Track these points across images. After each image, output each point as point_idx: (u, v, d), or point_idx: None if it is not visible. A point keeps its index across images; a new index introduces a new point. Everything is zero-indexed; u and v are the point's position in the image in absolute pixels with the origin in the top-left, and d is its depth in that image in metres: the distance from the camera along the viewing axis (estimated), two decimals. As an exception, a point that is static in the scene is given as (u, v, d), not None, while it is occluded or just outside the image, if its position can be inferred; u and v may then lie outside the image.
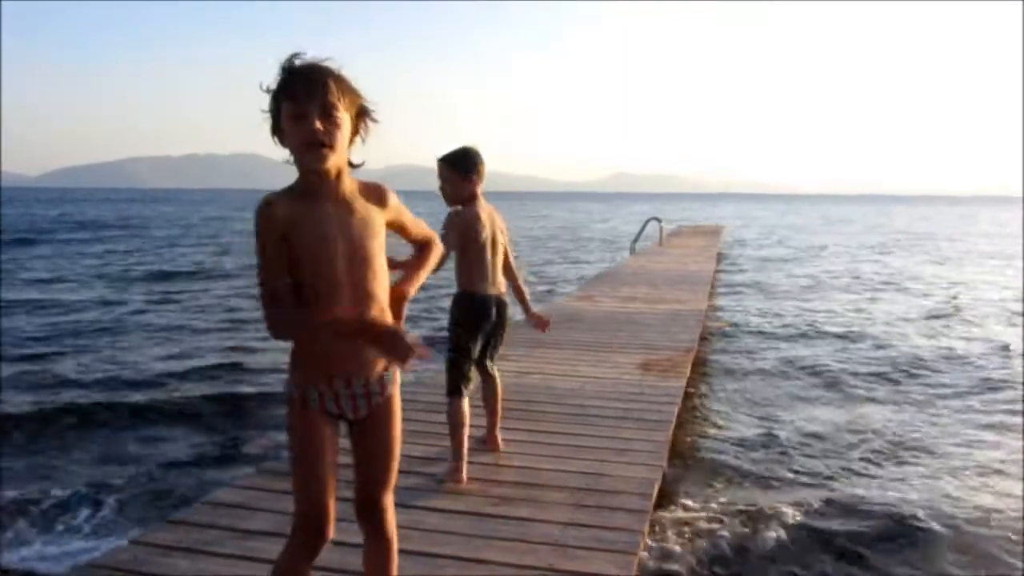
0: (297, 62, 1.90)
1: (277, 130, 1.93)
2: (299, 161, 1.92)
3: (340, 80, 1.90)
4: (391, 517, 2.19)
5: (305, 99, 1.85)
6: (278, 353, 9.16)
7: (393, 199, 2.08)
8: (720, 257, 20.73)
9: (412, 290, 2.15)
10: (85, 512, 4.65)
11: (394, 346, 1.88)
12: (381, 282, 2.03)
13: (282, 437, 5.66)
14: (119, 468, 5.50)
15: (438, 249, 2.28)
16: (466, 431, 3.79)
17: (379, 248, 2.02)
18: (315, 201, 1.94)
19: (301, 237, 1.91)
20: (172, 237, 33.29)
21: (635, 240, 21.31)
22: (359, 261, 1.97)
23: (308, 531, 2.02)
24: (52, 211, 58.65)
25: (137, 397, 7.41)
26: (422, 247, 2.24)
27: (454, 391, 3.75)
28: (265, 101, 1.92)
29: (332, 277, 1.93)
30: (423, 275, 2.22)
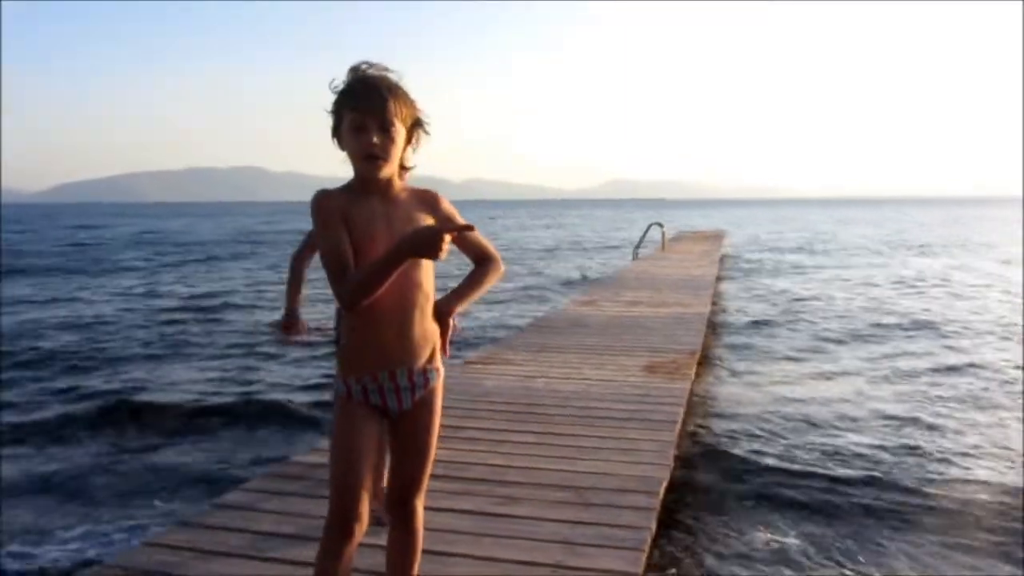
0: (363, 72, 1.99)
1: (337, 133, 2.03)
2: (354, 166, 2.03)
3: (399, 95, 1.99)
4: (420, 514, 2.23)
5: (367, 113, 1.96)
6: (288, 365, 9.26)
7: (445, 205, 2.13)
8: (723, 261, 20.76)
9: (455, 306, 2.13)
10: (98, 514, 4.69)
11: (424, 240, 1.88)
12: (428, 278, 2.07)
13: (291, 445, 5.69)
14: (131, 472, 5.55)
15: (495, 268, 2.19)
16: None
17: None
18: (366, 199, 2.03)
19: (352, 229, 1.98)
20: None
21: (637, 245, 21.35)
22: None
23: (339, 523, 2.05)
24: (82, 231, 53.76)
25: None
26: (477, 263, 2.19)
27: None
28: (318, 105, 2.02)
29: None
30: (471, 292, 2.16)
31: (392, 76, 2.01)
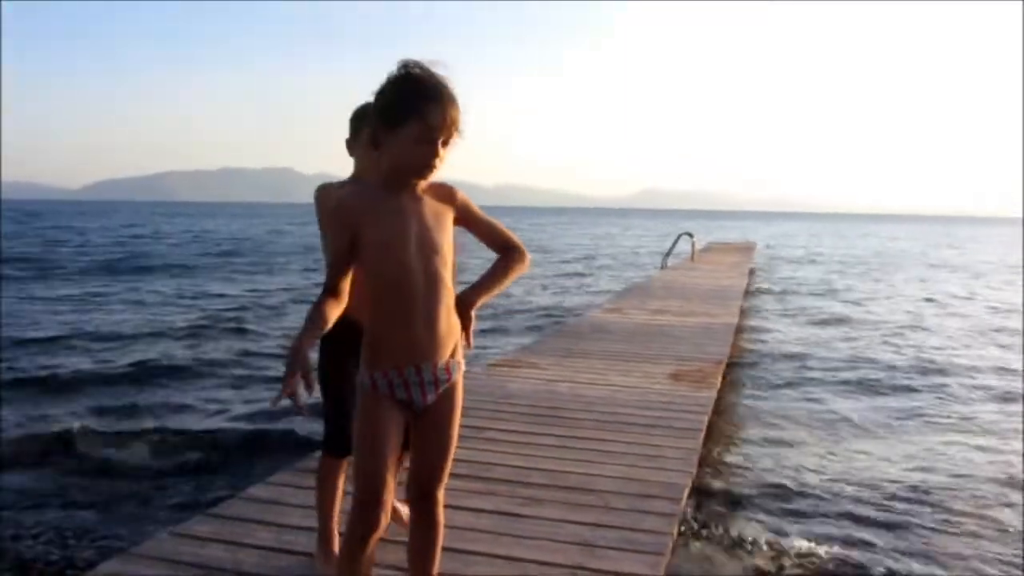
0: (434, 79, 1.96)
1: (382, 125, 1.98)
2: (398, 169, 2.01)
3: (459, 106, 1.99)
4: (442, 507, 2.25)
5: (439, 128, 1.95)
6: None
7: (460, 195, 2.15)
8: (752, 273, 20.58)
9: (478, 298, 2.13)
10: (123, 503, 4.79)
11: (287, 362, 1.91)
12: (451, 273, 2.10)
13: (316, 441, 5.73)
14: (155, 462, 5.65)
15: (520, 258, 2.17)
16: (336, 508, 2.88)
17: (448, 242, 2.09)
18: (389, 194, 2.04)
19: (376, 225, 2.00)
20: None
21: (666, 255, 21.24)
22: (430, 249, 2.04)
23: (363, 514, 2.08)
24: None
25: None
26: (501, 253, 2.19)
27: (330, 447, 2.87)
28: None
29: (405, 262, 2.01)
30: (495, 284, 2.16)
31: (452, 84, 1.99)
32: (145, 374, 8.70)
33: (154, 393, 7.93)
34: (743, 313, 12.04)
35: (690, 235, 23.12)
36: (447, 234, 2.09)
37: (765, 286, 19.82)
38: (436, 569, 2.29)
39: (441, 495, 2.24)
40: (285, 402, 1.88)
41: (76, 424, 6.52)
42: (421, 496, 2.22)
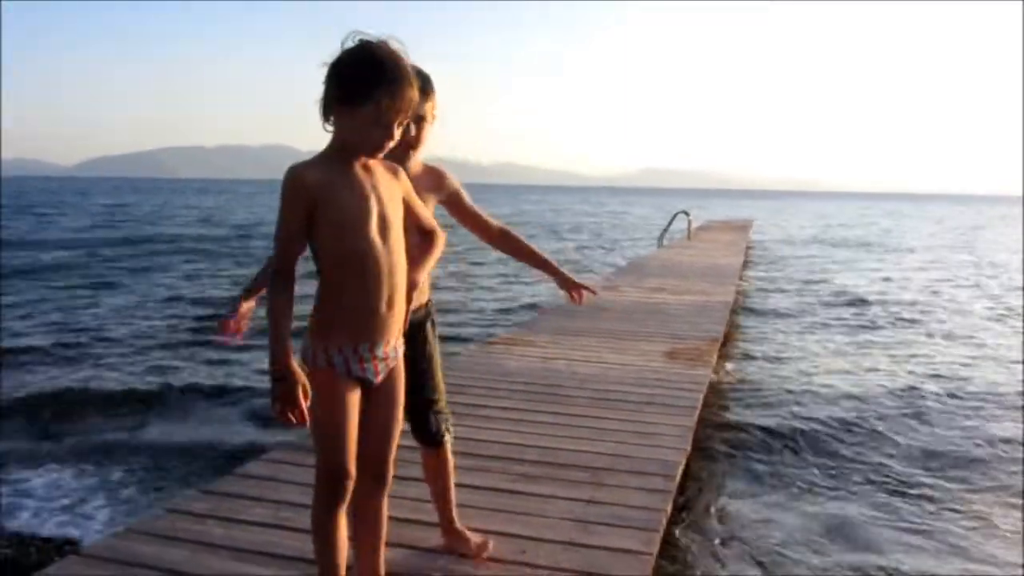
0: (401, 61, 1.94)
1: (337, 101, 1.94)
2: (349, 147, 2.00)
3: (416, 88, 1.98)
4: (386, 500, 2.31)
5: (397, 112, 1.95)
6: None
7: (404, 176, 2.18)
8: (748, 251, 20.58)
9: (419, 277, 2.23)
10: (121, 481, 4.81)
11: (278, 397, 1.97)
12: (404, 248, 2.11)
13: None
14: (152, 441, 5.67)
15: (441, 243, 2.33)
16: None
17: (401, 217, 2.11)
18: (348, 168, 2.03)
19: (336, 199, 1.98)
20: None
21: (663, 233, 21.22)
22: (389, 222, 2.06)
23: (332, 486, 2.11)
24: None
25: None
26: (427, 236, 2.30)
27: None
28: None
29: (367, 236, 2.00)
30: (429, 264, 2.28)
31: (407, 60, 1.97)
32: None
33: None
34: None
35: (686, 213, 23.09)
36: (400, 209, 2.11)
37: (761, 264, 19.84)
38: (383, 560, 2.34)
39: (391, 474, 2.27)
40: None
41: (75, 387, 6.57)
42: (377, 476, 2.23)
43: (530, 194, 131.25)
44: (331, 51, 1.94)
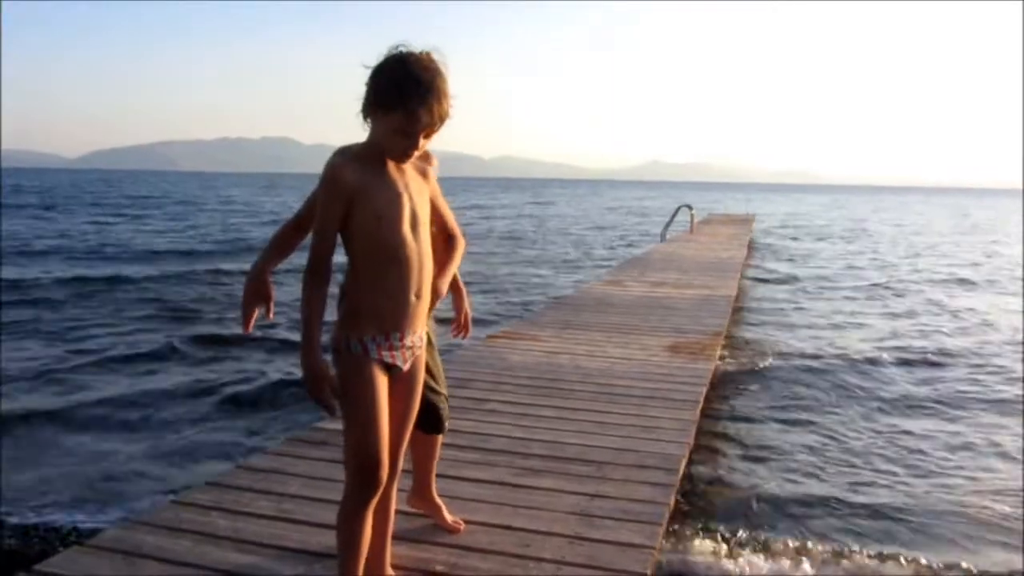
0: (430, 75, 1.98)
1: (373, 105, 2.02)
2: (378, 148, 2.08)
3: (450, 99, 2.03)
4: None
5: (425, 125, 2.01)
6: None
7: (432, 173, 2.26)
8: (751, 245, 20.56)
9: (444, 285, 2.30)
10: (126, 472, 4.83)
11: (308, 384, 2.05)
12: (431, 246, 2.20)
13: (304, 413, 5.75)
14: (157, 435, 5.68)
15: (463, 248, 2.40)
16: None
17: (428, 215, 2.20)
18: (383, 166, 2.10)
19: (373, 194, 2.05)
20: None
21: (665, 227, 21.19)
22: (419, 219, 2.14)
23: (366, 478, 2.13)
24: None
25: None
26: (449, 240, 2.37)
27: None
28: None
29: (400, 230, 2.08)
30: (452, 271, 2.36)
31: (446, 74, 2.02)
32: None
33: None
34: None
35: (689, 207, 23.05)
36: (428, 207, 2.21)
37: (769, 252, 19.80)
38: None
39: (399, 477, 2.31)
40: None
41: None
42: (393, 461, 2.24)
43: (536, 188, 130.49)
44: (376, 55, 2.04)
